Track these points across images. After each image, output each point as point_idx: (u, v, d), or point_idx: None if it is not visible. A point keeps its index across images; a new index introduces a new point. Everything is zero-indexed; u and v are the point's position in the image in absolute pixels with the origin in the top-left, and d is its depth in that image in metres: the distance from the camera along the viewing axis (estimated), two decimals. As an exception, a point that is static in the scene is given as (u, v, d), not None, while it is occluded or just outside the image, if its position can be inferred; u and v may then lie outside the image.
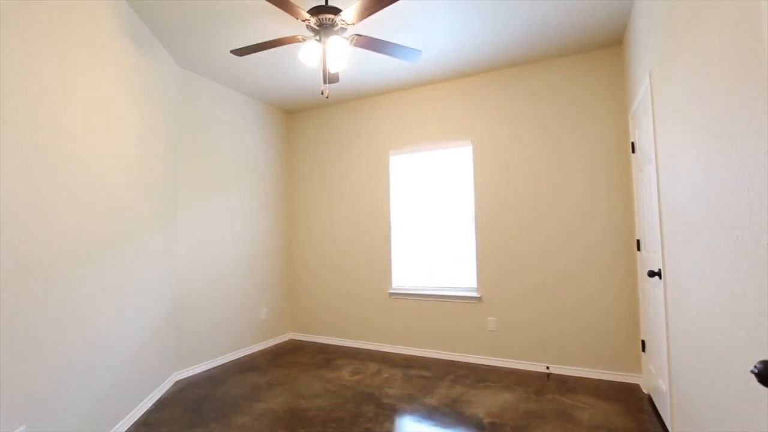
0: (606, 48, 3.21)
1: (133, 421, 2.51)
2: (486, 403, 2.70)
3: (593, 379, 3.08)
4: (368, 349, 4.04)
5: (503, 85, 3.59)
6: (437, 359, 3.67)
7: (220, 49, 3.16)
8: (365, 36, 2.53)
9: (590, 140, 3.23)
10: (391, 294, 4.01)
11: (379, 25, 2.87)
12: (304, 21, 2.42)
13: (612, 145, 3.16)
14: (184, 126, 3.46)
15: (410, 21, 2.83)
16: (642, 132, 2.58)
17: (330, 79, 3.07)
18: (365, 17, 2.33)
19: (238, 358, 3.83)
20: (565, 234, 3.28)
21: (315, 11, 2.40)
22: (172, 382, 3.19)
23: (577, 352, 3.19)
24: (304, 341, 4.43)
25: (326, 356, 3.84)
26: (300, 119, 4.74)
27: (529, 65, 3.49)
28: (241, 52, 2.66)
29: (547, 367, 3.28)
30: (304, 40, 2.56)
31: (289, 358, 3.83)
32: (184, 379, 3.30)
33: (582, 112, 3.27)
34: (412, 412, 2.58)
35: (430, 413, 2.57)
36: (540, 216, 3.38)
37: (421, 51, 2.70)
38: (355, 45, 2.60)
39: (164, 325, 3.06)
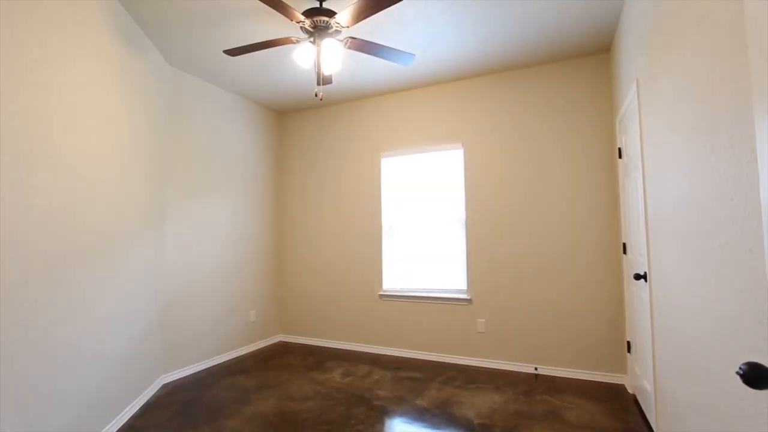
0: (594, 55, 3.28)
1: (120, 425, 2.46)
2: (476, 404, 2.73)
3: (580, 380, 3.14)
4: (359, 351, 4.04)
5: (494, 89, 3.64)
6: (427, 361, 3.70)
7: (212, 48, 3.13)
8: (359, 39, 2.54)
9: (579, 145, 3.30)
10: (381, 296, 4.02)
11: (372, 28, 2.88)
12: (298, 23, 2.42)
13: (600, 150, 3.23)
14: (174, 125, 3.41)
15: (403, 25, 2.85)
16: (629, 138, 2.65)
17: (323, 80, 3.08)
18: (360, 20, 2.34)
19: (227, 361, 3.79)
20: (553, 237, 3.34)
21: (310, 13, 2.40)
22: (160, 385, 3.14)
23: (565, 354, 3.25)
24: (293, 343, 4.40)
25: (316, 358, 3.83)
26: (291, 120, 4.72)
27: (520, 70, 3.55)
28: (234, 52, 2.65)
29: (536, 368, 3.33)
30: (298, 41, 2.56)
31: (279, 360, 3.80)
32: (171, 381, 3.25)
33: (571, 117, 3.34)
34: (403, 414, 2.59)
35: (421, 415, 2.58)
36: (529, 218, 3.44)
37: (414, 54, 2.73)
38: (349, 47, 2.61)
39: (151, 328, 3.01)
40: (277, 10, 2.22)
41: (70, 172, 2.05)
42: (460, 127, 3.77)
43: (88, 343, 2.20)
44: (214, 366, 3.64)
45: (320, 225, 4.44)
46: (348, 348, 4.14)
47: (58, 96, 1.97)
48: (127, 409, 2.59)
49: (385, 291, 4.02)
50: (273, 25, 2.86)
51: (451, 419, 2.51)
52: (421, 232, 3.92)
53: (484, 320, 3.55)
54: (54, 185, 1.93)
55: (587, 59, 3.31)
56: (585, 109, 3.30)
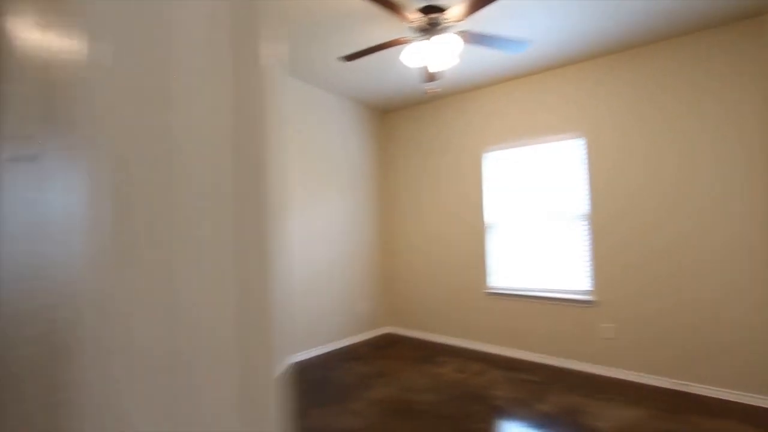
0: (740, 21, 2.69)
1: (263, 397, 2.83)
2: (607, 416, 2.48)
3: (742, 404, 2.63)
4: (467, 348, 3.99)
5: (621, 70, 3.24)
6: (543, 364, 3.48)
7: (321, 54, 3.28)
8: (470, 31, 2.49)
9: (725, 130, 2.75)
10: (488, 293, 3.90)
11: (480, 18, 2.79)
12: (411, 22, 2.47)
13: (752, 135, 2.65)
14: (289, 130, 3.77)
15: (513, 11, 2.69)
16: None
17: (432, 77, 3.10)
18: (473, 12, 2.30)
19: (341, 348, 4.07)
20: (702, 235, 2.85)
21: (423, 11, 2.44)
22: (287, 364, 3.53)
23: (718, 370, 2.76)
24: (400, 335, 4.54)
25: (426, 351, 3.89)
26: (394, 118, 4.85)
27: (649, 47, 3.09)
28: (350, 58, 2.82)
29: (684, 384, 2.88)
30: (410, 41, 2.61)
31: (390, 350, 3.96)
32: (298, 362, 3.62)
33: (720, 96, 2.80)
34: (525, 417, 2.49)
35: (545, 420, 2.44)
36: (671, 214, 2.99)
37: (527, 42, 2.58)
38: (462, 42, 2.57)
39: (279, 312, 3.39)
40: (394, 12, 2.30)
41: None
42: (579, 115, 3.44)
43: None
44: (330, 351, 3.95)
45: (424, 221, 4.49)
46: (456, 344, 4.12)
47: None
48: (267, 383, 2.97)
49: (492, 288, 3.90)
50: (375, 27, 2.86)
51: (580, 429, 2.33)
52: (530, 228, 3.69)
53: (612, 325, 3.20)
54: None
55: (731, 27, 2.73)
56: (738, 86, 2.73)
